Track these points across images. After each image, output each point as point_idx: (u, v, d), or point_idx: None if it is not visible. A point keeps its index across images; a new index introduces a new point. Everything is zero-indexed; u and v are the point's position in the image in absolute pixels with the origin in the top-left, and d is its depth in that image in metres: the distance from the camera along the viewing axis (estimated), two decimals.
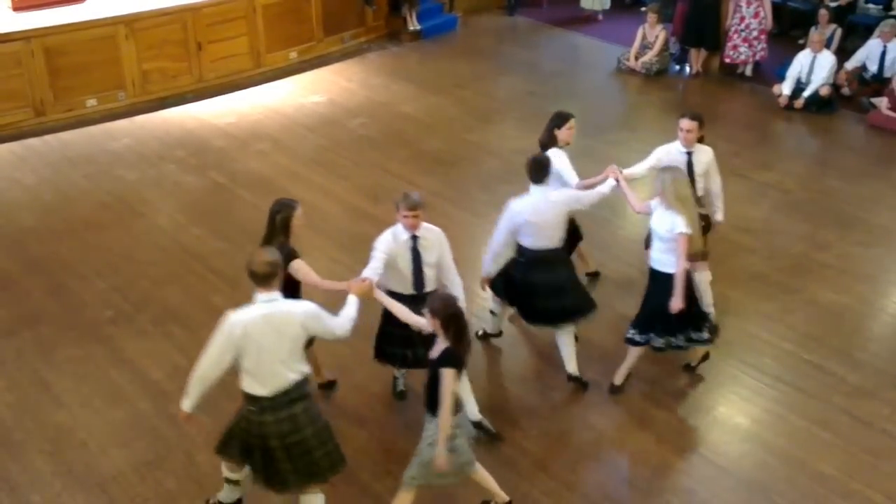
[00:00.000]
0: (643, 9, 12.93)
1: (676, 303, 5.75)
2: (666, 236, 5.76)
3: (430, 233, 5.62)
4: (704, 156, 6.61)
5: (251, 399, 4.66)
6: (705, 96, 11.58)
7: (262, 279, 4.55)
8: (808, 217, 8.62)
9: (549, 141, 6.59)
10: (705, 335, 6.05)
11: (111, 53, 10.78)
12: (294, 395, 4.68)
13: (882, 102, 10.64)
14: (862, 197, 9.01)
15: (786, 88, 10.98)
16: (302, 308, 4.68)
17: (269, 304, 4.58)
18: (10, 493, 5.45)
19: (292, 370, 4.65)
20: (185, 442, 5.79)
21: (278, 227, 5.48)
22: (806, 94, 10.88)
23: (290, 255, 5.39)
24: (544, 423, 6.04)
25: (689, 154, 6.53)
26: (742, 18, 11.58)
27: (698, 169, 6.54)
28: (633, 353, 6.17)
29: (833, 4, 12.37)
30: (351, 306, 4.96)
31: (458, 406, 4.84)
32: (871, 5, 12.91)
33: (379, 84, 11.97)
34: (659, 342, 5.98)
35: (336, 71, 12.44)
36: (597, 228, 7.94)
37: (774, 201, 8.91)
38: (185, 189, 9.21)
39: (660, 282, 5.87)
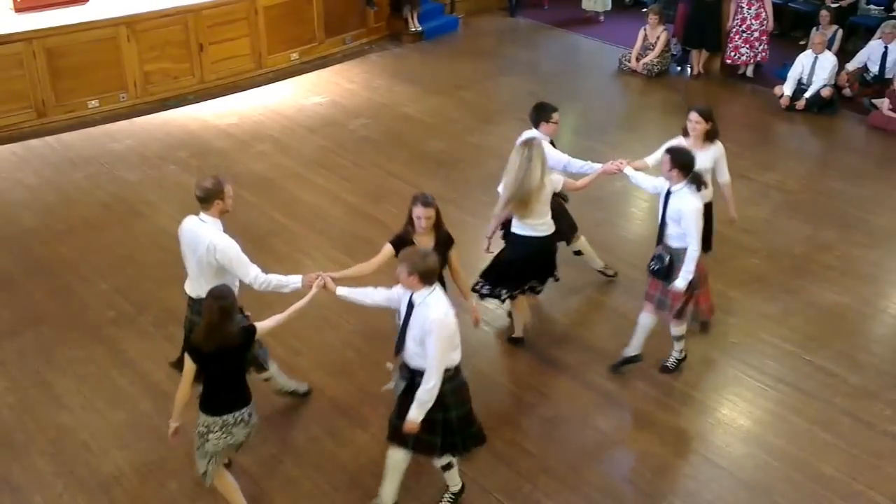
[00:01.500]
0: (644, 10, 12.94)
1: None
2: None
3: (427, 309, 4.75)
4: (680, 202, 5.85)
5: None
6: (706, 97, 11.56)
7: (199, 200, 5.27)
8: (810, 218, 8.61)
9: (685, 131, 6.87)
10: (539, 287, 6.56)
11: (113, 55, 10.79)
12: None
13: (883, 103, 10.64)
14: (863, 198, 9.01)
15: (787, 89, 10.98)
16: (219, 239, 5.18)
17: (201, 223, 5.25)
18: (11, 494, 5.45)
19: (201, 287, 5.18)
20: (186, 443, 5.77)
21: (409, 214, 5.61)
22: (807, 95, 10.87)
23: (395, 241, 5.53)
24: (545, 424, 6.04)
25: (669, 193, 5.95)
26: (743, 19, 11.58)
27: (669, 211, 5.94)
28: (520, 305, 6.64)
29: (834, 5, 12.37)
30: (286, 278, 5.27)
31: (229, 407, 4.86)
32: (872, 6, 12.93)
33: (380, 85, 11.97)
34: (504, 293, 6.47)
35: (337, 72, 12.44)
36: (599, 230, 7.95)
37: (776, 202, 8.90)
38: (186, 190, 9.10)
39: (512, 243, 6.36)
